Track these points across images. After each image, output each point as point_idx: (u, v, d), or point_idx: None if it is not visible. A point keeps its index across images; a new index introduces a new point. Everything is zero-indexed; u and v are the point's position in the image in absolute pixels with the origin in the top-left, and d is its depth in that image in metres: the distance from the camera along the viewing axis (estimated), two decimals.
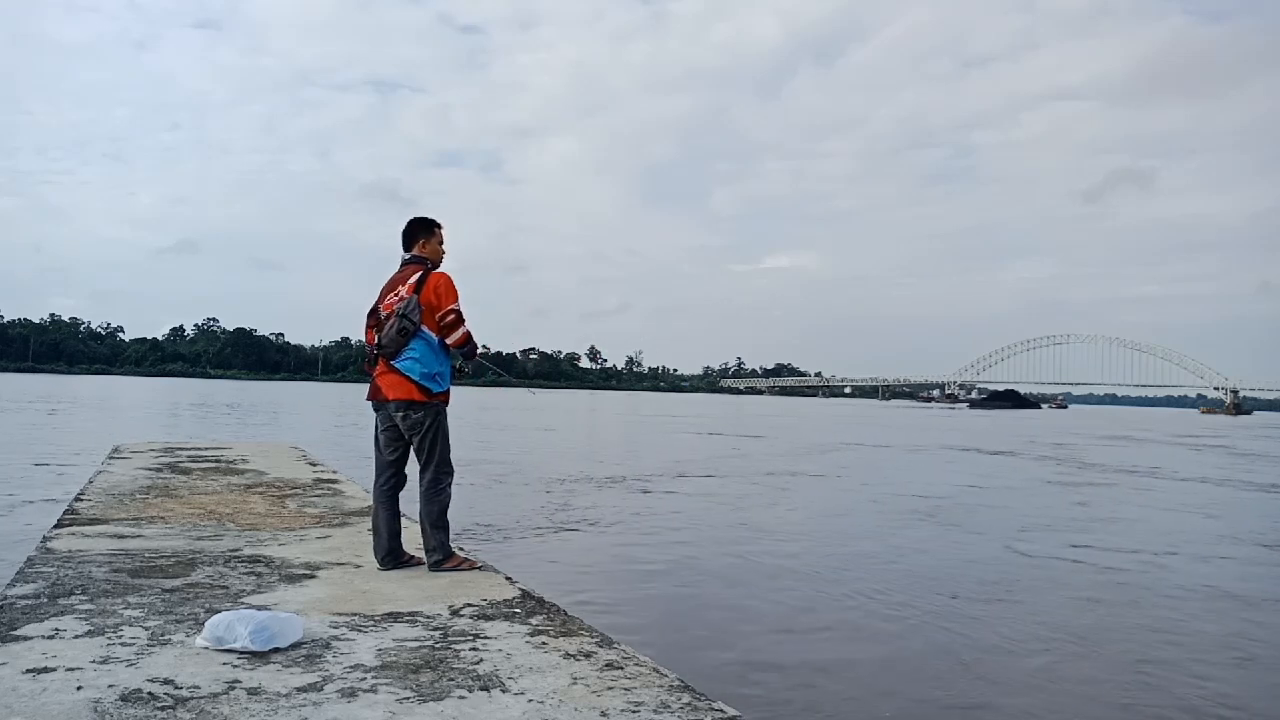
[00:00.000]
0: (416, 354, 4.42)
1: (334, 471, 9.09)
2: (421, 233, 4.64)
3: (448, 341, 4.48)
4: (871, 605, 6.66)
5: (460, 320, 4.45)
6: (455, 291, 4.48)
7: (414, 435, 4.47)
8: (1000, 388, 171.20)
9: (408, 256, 4.62)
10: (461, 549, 4.98)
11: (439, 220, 4.71)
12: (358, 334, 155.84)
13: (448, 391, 4.57)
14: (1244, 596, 7.49)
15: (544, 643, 3.31)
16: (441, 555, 4.49)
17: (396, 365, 4.43)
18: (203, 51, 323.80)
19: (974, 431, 43.24)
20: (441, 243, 4.69)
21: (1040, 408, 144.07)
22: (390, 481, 4.60)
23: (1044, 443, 33.61)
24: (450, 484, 4.54)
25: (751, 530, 10.14)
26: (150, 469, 8.51)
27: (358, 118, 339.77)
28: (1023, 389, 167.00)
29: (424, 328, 4.42)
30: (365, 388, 4.70)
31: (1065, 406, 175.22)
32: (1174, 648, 5.85)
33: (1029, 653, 5.59)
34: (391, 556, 4.54)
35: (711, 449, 24.27)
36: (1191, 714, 4.65)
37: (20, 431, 20.92)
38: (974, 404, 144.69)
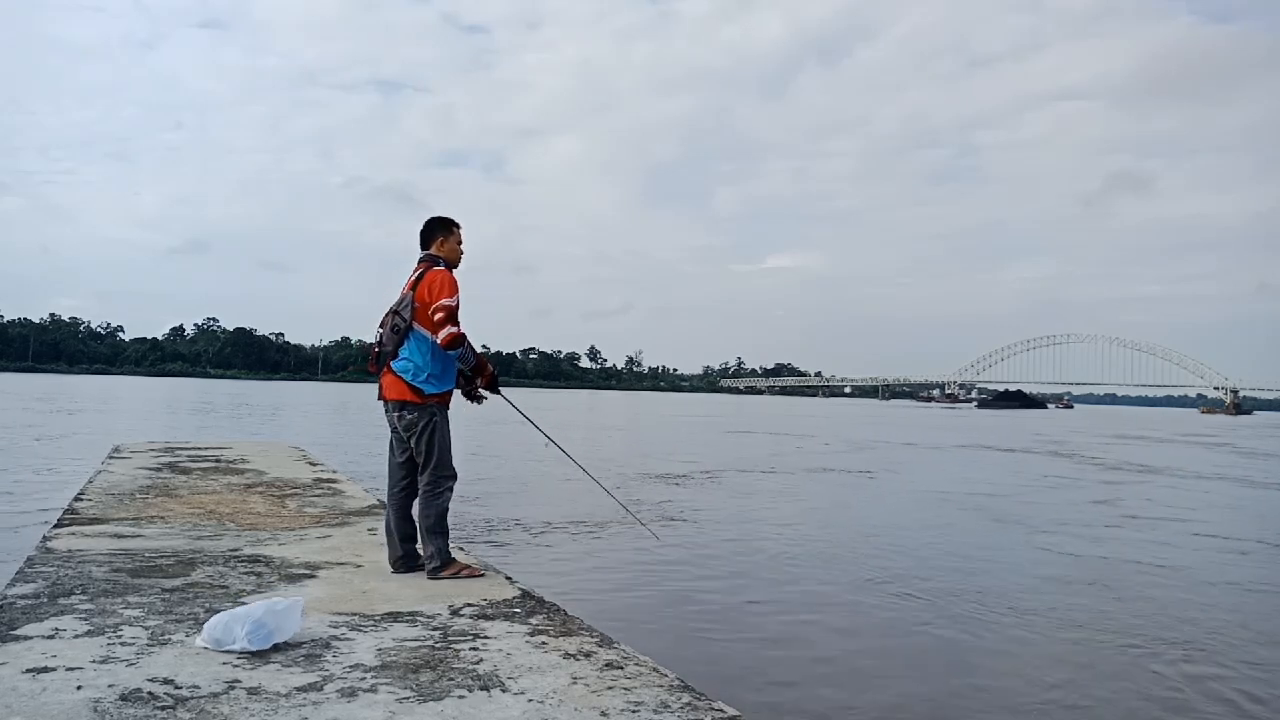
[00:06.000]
0: (409, 354, 4.33)
1: (334, 471, 9.10)
2: (439, 231, 4.54)
3: (437, 341, 4.28)
4: (885, 603, 6.65)
5: (449, 318, 4.21)
6: (451, 288, 4.28)
7: (410, 437, 4.39)
8: (1000, 388, 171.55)
9: (422, 255, 4.53)
10: (462, 549, 4.97)
11: (458, 220, 4.61)
12: (358, 334, 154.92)
13: (445, 393, 4.42)
14: None
15: (544, 642, 3.31)
16: (439, 562, 4.32)
17: (393, 366, 4.36)
18: (207, 51, 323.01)
19: (990, 431, 43.68)
20: (460, 242, 4.58)
21: (1046, 407, 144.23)
22: (402, 485, 4.49)
23: (1060, 442, 33.83)
24: (449, 488, 4.41)
25: (770, 528, 10.14)
26: (150, 469, 8.51)
27: (361, 118, 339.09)
28: (1023, 389, 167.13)
29: (418, 326, 4.32)
30: (365, 387, 4.65)
31: (1071, 406, 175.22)
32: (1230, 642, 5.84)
33: (1053, 649, 5.58)
34: (404, 561, 4.44)
35: (775, 447, 25.30)
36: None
37: (20, 431, 20.91)
38: (982, 404, 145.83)
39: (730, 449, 24.25)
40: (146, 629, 3.27)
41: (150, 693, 2.62)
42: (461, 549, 5.18)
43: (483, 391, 4.66)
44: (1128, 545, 9.75)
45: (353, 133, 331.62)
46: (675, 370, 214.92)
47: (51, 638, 3.11)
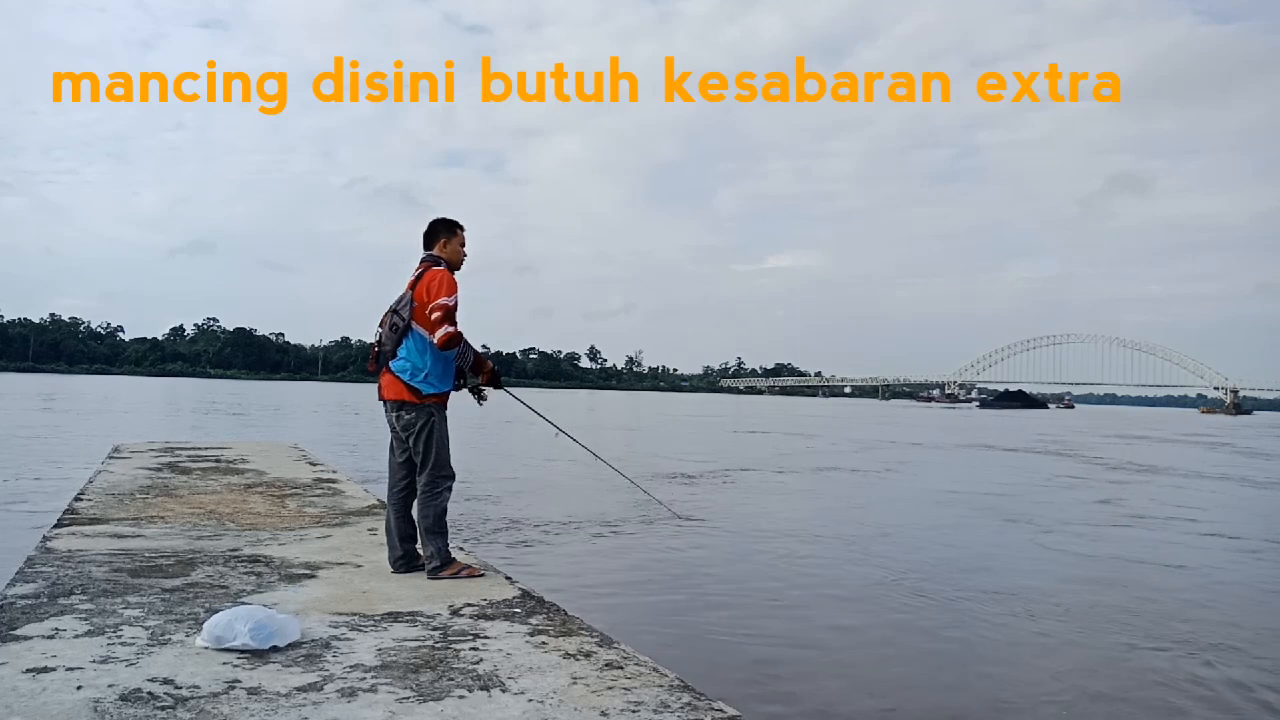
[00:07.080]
0: (407, 353, 4.33)
1: (334, 471, 9.10)
2: (443, 232, 4.54)
3: (433, 340, 4.27)
4: (893, 603, 6.62)
5: (445, 318, 4.19)
6: (449, 288, 4.28)
7: (408, 436, 4.39)
8: (1000, 388, 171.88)
9: (424, 255, 4.53)
10: (463, 548, 4.97)
11: (461, 222, 4.60)
12: (358, 334, 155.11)
13: (443, 393, 4.42)
14: None
15: (544, 642, 3.31)
16: (439, 562, 4.33)
17: (392, 366, 4.37)
18: (209, 51, 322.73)
19: (993, 431, 43.79)
20: (463, 244, 4.57)
21: (1048, 407, 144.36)
22: (401, 485, 4.49)
23: (1063, 442, 33.88)
24: (448, 488, 4.41)
25: (776, 526, 10.11)
26: (150, 469, 8.51)
27: (363, 118, 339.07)
28: (1023, 389, 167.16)
29: (416, 326, 4.31)
30: (365, 387, 4.65)
31: (1072, 406, 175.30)
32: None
33: (1065, 649, 5.55)
34: (404, 561, 4.44)
35: (780, 446, 25.38)
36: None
37: (20, 431, 20.91)
38: (984, 404, 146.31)
39: (735, 448, 24.24)
40: (146, 629, 3.27)
41: (150, 693, 2.62)
42: (462, 549, 5.18)
43: (483, 387, 4.65)
44: (1136, 544, 9.75)
45: (354, 133, 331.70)
46: (675, 370, 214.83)
47: (51, 638, 3.11)
